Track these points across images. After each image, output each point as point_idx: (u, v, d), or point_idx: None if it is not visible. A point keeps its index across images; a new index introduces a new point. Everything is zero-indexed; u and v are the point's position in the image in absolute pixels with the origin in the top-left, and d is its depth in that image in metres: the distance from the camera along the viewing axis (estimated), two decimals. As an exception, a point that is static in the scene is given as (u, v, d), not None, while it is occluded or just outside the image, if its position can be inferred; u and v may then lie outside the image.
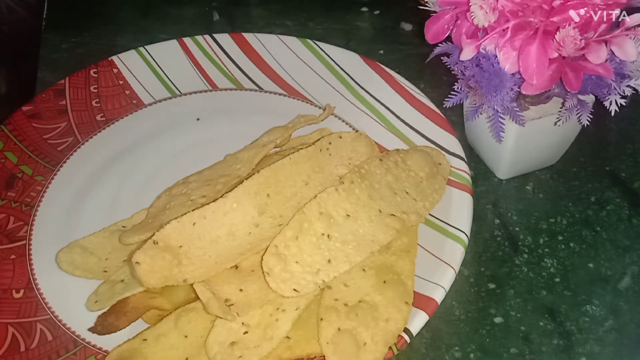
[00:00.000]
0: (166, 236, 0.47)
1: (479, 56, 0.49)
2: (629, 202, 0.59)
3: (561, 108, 0.51)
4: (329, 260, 0.47)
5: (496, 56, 0.48)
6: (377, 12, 0.82)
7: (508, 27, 0.47)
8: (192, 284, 0.47)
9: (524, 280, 0.53)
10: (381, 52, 0.76)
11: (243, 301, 0.46)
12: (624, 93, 0.47)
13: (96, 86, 0.68)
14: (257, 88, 0.69)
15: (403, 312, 0.46)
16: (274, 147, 0.58)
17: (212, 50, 0.71)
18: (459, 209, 0.54)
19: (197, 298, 0.46)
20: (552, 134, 0.56)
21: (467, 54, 0.48)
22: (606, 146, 0.64)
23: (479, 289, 0.53)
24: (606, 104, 0.48)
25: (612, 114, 0.47)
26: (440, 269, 0.50)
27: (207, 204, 0.49)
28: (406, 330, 0.46)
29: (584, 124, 0.50)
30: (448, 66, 0.52)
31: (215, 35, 0.72)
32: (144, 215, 0.55)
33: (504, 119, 0.51)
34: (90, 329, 0.48)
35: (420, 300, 0.48)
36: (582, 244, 0.56)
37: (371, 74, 0.67)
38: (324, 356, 0.44)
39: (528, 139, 0.55)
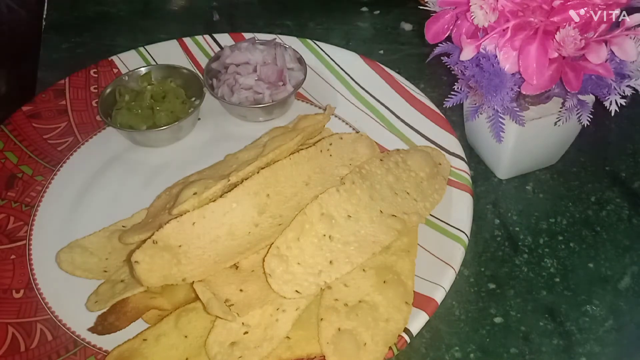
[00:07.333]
0: (166, 236, 0.47)
1: (479, 56, 0.49)
2: (629, 202, 0.59)
3: (561, 108, 0.51)
4: (330, 262, 0.47)
5: (496, 56, 0.48)
6: (377, 12, 0.82)
7: (508, 27, 0.47)
8: (192, 284, 0.47)
9: (524, 280, 0.53)
10: (381, 52, 0.76)
11: (243, 301, 0.46)
12: (624, 93, 0.47)
13: (96, 86, 0.68)
14: (257, 88, 0.69)
15: (403, 312, 0.46)
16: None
17: (212, 50, 0.71)
18: (459, 209, 0.54)
19: (197, 298, 0.46)
20: (552, 134, 0.56)
21: (467, 54, 0.48)
22: (606, 146, 0.64)
23: (479, 289, 0.53)
24: (606, 104, 0.48)
25: (612, 114, 0.47)
26: (441, 269, 0.50)
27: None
28: (406, 330, 0.46)
29: (584, 124, 0.50)
30: (448, 66, 0.52)
31: (215, 35, 0.72)
32: (144, 215, 0.56)
33: (504, 119, 0.51)
34: (90, 329, 0.48)
35: (420, 300, 0.48)
36: (582, 244, 0.56)
37: (371, 74, 0.67)
38: (324, 356, 0.44)
39: (528, 139, 0.55)
